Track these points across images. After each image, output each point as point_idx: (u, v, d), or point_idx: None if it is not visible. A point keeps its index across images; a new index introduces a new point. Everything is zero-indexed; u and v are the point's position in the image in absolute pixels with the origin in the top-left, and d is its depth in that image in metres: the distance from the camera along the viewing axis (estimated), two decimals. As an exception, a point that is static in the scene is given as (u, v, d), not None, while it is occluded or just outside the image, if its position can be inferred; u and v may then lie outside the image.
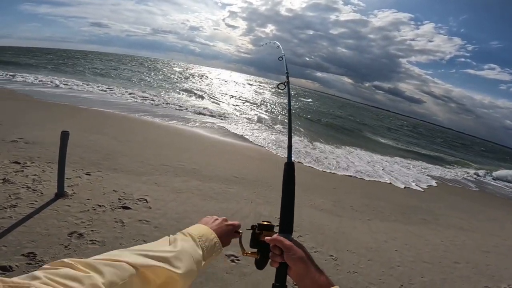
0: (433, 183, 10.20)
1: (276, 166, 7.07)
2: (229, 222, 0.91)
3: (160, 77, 31.69)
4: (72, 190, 3.57)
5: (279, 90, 1.04)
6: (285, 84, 1.04)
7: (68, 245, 2.62)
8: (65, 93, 11.59)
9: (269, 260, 0.78)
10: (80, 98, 11.07)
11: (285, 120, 15.66)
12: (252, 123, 13.67)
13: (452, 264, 4.02)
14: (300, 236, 3.75)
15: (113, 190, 3.81)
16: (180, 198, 4.05)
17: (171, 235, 0.74)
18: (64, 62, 28.28)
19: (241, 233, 0.89)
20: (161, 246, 0.68)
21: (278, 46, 1.30)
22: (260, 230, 0.81)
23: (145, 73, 31.96)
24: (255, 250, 0.81)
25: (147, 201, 3.72)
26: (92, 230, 2.89)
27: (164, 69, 47.84)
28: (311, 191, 5.71)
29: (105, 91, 13.89)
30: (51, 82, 13.63)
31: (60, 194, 3.35)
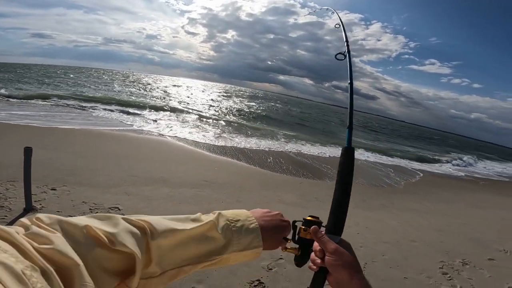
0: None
1: (243, 167, 7.33)
2: (285, 218, 0.73)
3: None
4: (40, 204, 3.56)
5: (338, 60, 0.87)
6: (345, 54, 0.86)
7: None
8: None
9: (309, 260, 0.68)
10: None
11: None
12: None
13: (410, 243, 4.35)
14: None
15: (83, 202, 3.83)
16: (152, 205, 4.14)
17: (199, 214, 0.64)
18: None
19: (290, 240, 0.74)
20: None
21: (333, 12, 1.13)
22: (305, 226, 0.71)
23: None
24: (296, 246, 0.72)
25: (119, 209, 3.79)
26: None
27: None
28: (279, 188, 6.08)
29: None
30: None
31: (29, 208, 3.35)
